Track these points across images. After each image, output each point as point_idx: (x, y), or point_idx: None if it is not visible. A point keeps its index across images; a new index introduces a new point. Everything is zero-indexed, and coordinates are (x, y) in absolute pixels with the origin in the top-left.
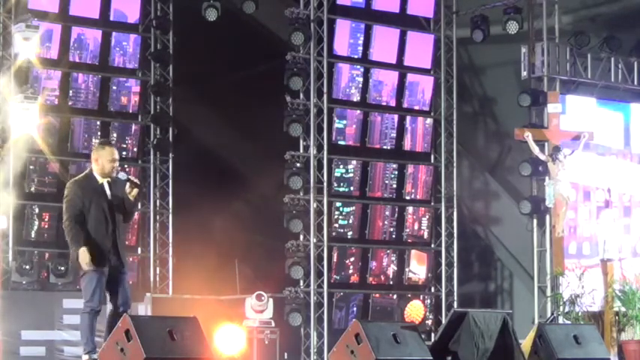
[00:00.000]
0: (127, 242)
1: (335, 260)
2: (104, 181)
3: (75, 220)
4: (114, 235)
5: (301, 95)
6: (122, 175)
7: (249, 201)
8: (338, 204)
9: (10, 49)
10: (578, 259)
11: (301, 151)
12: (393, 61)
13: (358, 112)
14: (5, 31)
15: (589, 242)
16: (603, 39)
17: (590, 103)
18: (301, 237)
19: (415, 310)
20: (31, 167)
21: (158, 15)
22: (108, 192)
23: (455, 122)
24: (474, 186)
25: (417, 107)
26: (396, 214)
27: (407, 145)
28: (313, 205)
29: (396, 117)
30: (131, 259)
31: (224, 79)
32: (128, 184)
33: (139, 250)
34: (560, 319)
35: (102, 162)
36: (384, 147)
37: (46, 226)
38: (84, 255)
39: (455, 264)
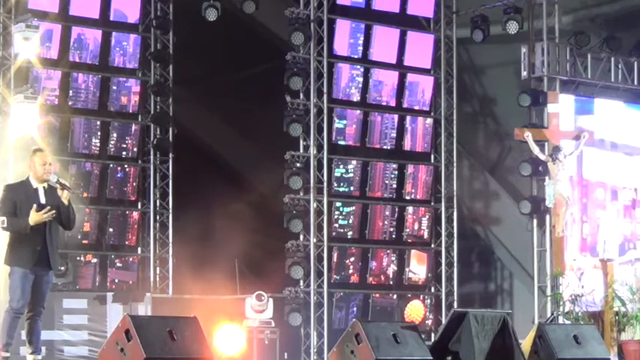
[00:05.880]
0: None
1: (335, 260)
2: (39, 187)
3: (11, 217)
4: (44, 239)
5: (301, 95)
6: (53, 177)
7: (249, 201)
8: (338, 204)
9: (10, 49)
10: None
11: (301, 151)
12: (393, 61)
13: (358, 112)
14: (5, 31)
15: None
16: (603, 39)
17: (619, 105)
18: (301, 237)
19: (415, 310)
20: None
21: (158, 15)
22: (42, 197)
23: (455, 122)
24: (474, 186)
25: (417, 107)
26: (396, 214)
27: (407, 145)
28: (313, 205)
29: (396, 117)
30: (131, 259)
31: (224, 79)
32: (59, 186)
33: (139, 250)
34: (560, 319)
35: (34, 167)
36: (384, 147)
37: None
38: (33, 215)
39: (455, 264)
